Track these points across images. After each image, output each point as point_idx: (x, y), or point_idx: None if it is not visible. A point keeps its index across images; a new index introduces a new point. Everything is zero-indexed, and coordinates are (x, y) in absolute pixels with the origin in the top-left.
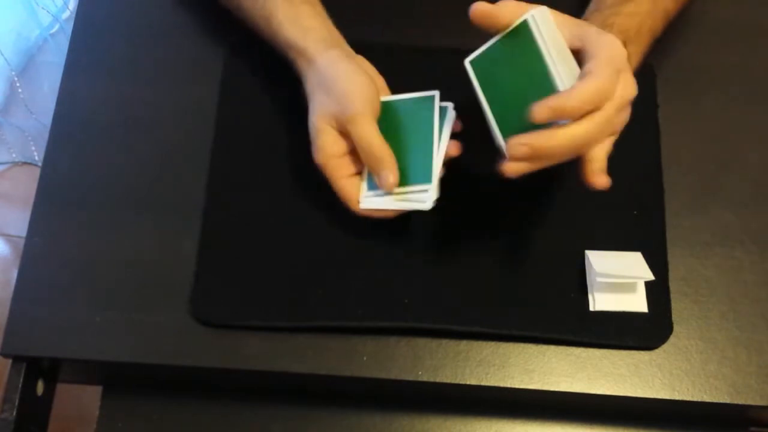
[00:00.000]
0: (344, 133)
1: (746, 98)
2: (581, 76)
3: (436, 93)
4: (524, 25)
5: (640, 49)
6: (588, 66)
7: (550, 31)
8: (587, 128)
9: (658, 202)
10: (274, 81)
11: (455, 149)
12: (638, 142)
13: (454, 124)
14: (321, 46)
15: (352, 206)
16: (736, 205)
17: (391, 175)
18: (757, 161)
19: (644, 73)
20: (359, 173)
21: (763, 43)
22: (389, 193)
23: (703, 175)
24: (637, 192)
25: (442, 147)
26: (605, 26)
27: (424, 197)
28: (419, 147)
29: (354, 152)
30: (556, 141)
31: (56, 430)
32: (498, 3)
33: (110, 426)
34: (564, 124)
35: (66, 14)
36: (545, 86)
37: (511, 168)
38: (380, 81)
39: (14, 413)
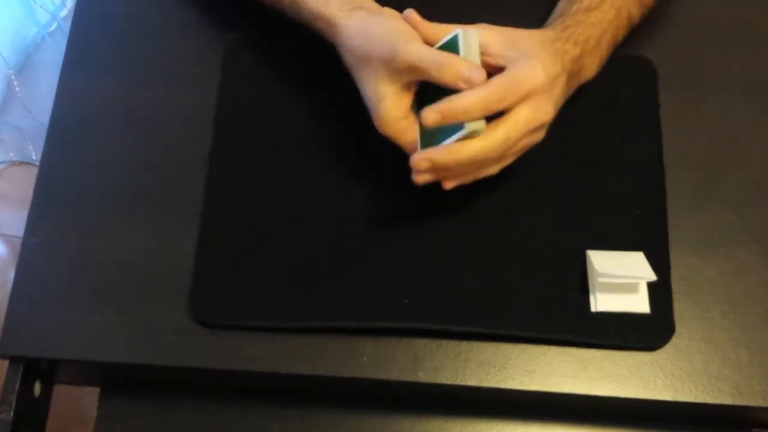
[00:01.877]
0: (405, 79)
1: (748, 98)
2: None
3: (459, 32)
4: (453, 40)
5: (598, 58)
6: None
7: (472, 53)
8: (485, 145)
9: (660, 202)
10: (274, 80)
11: None
12: (640, 142)
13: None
14: (345, 9)
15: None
16: (739, 205)
17: (437, 108)
18: (759, 161)
19: (646, 73)
20: None
21: (763, 43)
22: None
23: (705, 175)
24: (639, 192)
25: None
26: (565, 38)
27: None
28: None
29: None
30: (454, 156)
31: (54, 431)
32: (429, 23)
33: (108, 427)
34: (464, 141)
35: (64, 12)
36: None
37: (418, 179)
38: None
39: (11, 414)
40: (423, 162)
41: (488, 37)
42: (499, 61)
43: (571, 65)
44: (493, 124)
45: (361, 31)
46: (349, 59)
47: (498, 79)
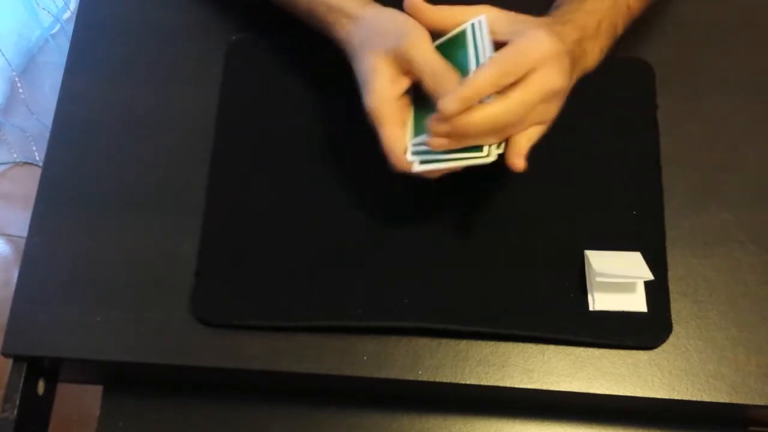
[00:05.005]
0: (402, 71)
1: (745, 98)
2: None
3: (468, 26)
4: (465, 32)
5: (599, 45)
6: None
7: (485, 37)
8: (503, 108)
9: (658, 202)
10: (275, 82)
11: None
12: (637, 143)
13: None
14: (360, 2)
15: (395, 159)
16: (736, 204)
17: (455, 97)
18: (756, 161)
19: (643, 73)
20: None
21: (762, 43)
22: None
23: (703, 175)
24: (637, 192)
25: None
26: (563, 22)
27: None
28: None
29: (407, 95)
30: (472, 119)
31: (57, 429)
32: (433, 7)
33: (111, 425)
34: (483, 104)
35: (67, 15)
36: None
37: (435, 143)
38: None
39: (15, 413)
40: (441, 125)
41: (492, 16)
42: (505, 38)
43: (573, 47)
44: (510, 88)
45: (375, 20)
46: (354, 43)
47: (504, 53)
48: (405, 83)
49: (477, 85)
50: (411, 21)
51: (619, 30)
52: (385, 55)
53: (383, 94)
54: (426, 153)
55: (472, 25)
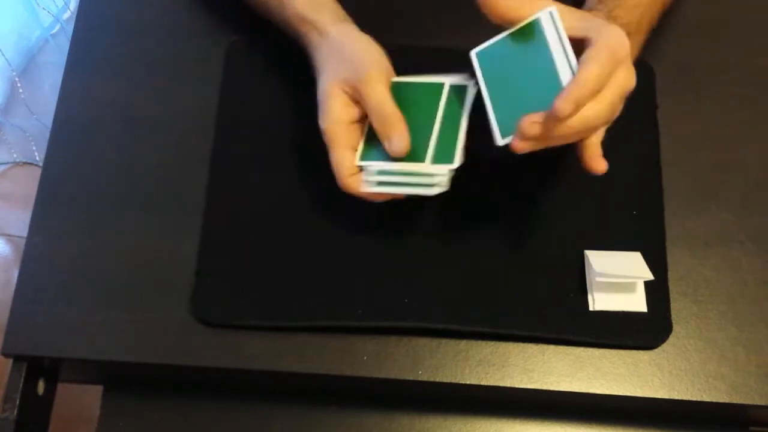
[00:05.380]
0: (355, 100)
1: (745, 98)
2: (580, 63)
3: (447, 81)
4: (536, 22)
5: (640, 40)
6: (587, 53)
7: (560, 29)
8: (597, 111)
9: (658, 202)
10: (275, 82)
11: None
12: (637, 142)
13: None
14: (333, 18)
15: (342, 179)
16: (736, 205)
17: (403, 139)
18: (756, 161)
19: (644, 73)
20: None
21: (762, 43)
22: (387, 170)
23: (703, 175)
24: (637, 192)
25: (462, 127)
26: (609, 19)
27: (431, 180)
28: (422, 130)
29: (360, 122)
30: (572, 121)
31: (57, 429)
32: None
33: (111, 425)
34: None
35: (67, 15)
36: (551, 80)
37: (520, 146)
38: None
39: (15, 413)
40: (534, 127)
41: (561, 12)
42: (577, 33)
43: None
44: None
45: (339, 44)
46: (318, 59)
47: (600, 50)
48: (356, 111)
49: (588, 85)
50: (373, 56)
51: (655, 24)
52: (340, 82)
53: (335, 117)
54: (380, 175)
55: (541, 18)
